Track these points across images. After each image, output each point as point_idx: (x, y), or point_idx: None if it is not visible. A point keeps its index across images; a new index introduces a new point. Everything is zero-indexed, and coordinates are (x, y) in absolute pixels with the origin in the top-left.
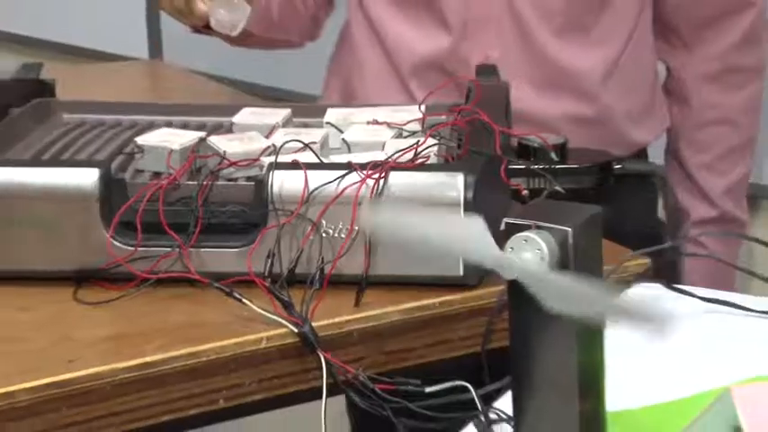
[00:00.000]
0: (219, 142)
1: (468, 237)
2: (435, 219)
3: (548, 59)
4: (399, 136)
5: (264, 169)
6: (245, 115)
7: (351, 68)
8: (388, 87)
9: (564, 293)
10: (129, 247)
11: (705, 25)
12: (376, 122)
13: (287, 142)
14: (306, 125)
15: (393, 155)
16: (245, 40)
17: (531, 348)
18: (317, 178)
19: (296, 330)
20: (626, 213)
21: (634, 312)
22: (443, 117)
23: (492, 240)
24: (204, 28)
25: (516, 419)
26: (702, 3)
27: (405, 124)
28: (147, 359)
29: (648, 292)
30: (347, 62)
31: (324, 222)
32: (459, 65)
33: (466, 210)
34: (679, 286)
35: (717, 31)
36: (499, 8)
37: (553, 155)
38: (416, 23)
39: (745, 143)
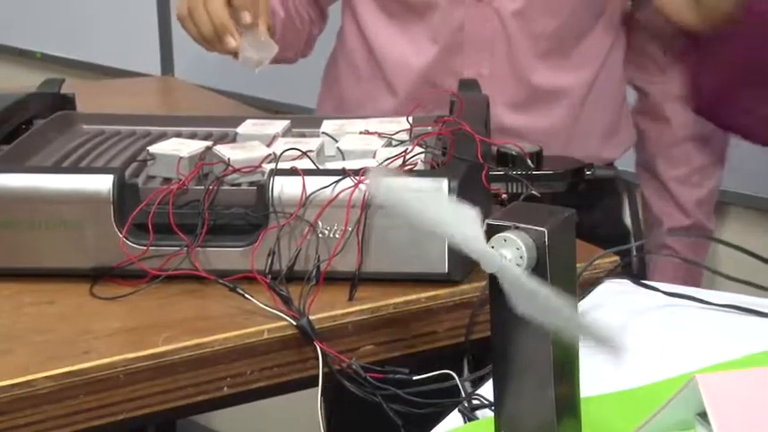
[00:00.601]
0: (224, 150)
1: (460, 223)
2: (432, 200)
3: (531, 79)
4: (389, 145)
5: (266, 175)
6: (248, 126)
7: (347, 79)
8: (381, 98)
9: (533, 298)
10: (142, 247)
11: (680, 52)
12: (368, 132)
13: (286, 150)
14: (303, 135)
15: (383, 162)
16: None
17: (510, 339)
18: (313, 183)
19: (294, 323)
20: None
21: (592, 331)
22: (429, 127)
23: (480, 232)
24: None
25: (497, 404)
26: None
27: (394, 134)
28: (158, 350)
29: (617, 288)
30: (343, 73)
31: (320, 223)
32: (452, 79)
33: None
34: (645, 282)
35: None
36: (493, 31)
37: (529, 162)
38: (410, 38)
39: (716, 159)
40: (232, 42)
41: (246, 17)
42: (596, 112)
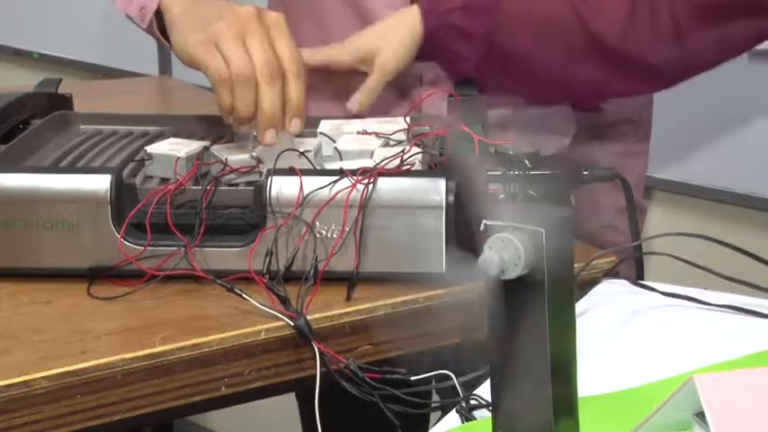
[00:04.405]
0: (222, 150)
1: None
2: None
3: None
4: (387, 145)
5: (263, 175)
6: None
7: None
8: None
9: None
10: (139, 247)
11: None
12: (365, 132)
13: (284, 151)
14: (300, 135)
15: (381, 162)
16: None
17: (507, 339)
18: (311, 183)
19: (292, 323)
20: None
21: None
22: (427, 127)
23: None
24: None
25: (494, 405)
26: None
27: (392, 134)
28: (155, 350)
29: (614, 288)
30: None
31: (317, 224)
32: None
33: (447, 212)
34: (643, 282)
35: None
36: None
37: (527, 162)
38: None
39: (641, 140)
40: (270, 138)
41: (298, 125)
42: None
